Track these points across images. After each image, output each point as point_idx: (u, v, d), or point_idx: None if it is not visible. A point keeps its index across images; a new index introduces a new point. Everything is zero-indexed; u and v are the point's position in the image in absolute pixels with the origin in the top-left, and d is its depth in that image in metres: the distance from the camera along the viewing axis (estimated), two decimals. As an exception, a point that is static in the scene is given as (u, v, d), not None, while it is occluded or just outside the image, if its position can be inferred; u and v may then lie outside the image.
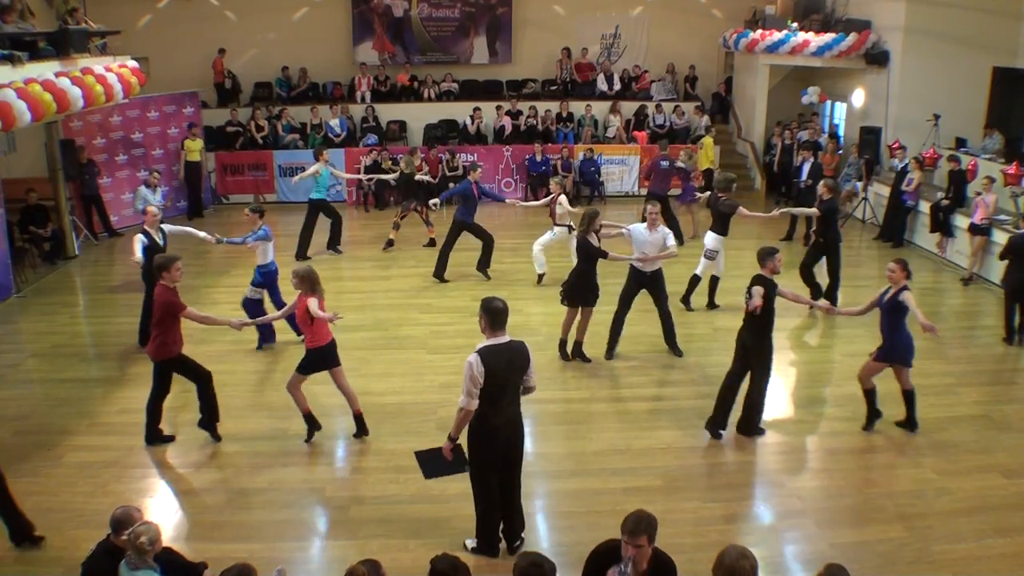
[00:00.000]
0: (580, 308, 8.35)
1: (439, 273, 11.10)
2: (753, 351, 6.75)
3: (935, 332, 6.50)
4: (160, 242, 8.59)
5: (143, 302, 8.77)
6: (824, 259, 10.06)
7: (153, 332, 6.73)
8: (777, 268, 6.73)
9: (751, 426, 6.98)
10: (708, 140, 15.49)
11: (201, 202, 15.09)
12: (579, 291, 8.25)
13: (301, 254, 12.12)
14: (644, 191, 15.87)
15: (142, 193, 10.78)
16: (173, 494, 6.27)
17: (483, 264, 11.27)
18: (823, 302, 8.28)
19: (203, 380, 6.93)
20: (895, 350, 6.77)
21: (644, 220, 8.43)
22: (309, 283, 6.60)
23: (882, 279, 11.24)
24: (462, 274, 11.28)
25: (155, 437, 6.92)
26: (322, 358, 6.73)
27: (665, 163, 12.86)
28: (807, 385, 8.23)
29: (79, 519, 5.78)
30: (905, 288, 6.66)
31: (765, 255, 6.73)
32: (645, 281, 8.40)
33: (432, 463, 5.30)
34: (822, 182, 10.36)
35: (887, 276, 6.81)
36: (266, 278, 8.83)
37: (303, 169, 15.41)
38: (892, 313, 6.72)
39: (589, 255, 8.11)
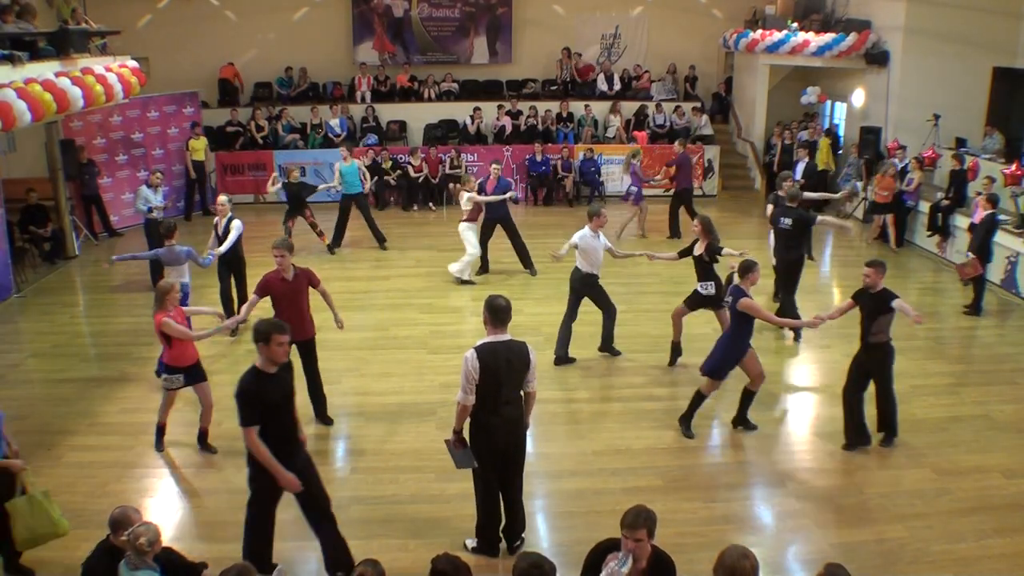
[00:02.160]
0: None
1: (529, 264, 11.28)
2: None
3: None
4: (220, 233, 9.03)
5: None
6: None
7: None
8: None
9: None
10: (825, 142, 15.17)
11: (207, 201, 15.12)
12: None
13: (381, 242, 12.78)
14: (646, 192, 15.91)
15: (144, 193, 10.77)
16: (173, 494, 6.27)
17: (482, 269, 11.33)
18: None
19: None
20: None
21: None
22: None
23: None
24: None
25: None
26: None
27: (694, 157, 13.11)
28: (807, 385, 8.23)
29: (79, 519, 5.76)
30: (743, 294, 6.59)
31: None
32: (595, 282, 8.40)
33: (458, 457, 5.27)
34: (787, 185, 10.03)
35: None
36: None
37: (303, 170, 15.53)
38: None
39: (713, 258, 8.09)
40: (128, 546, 4.05)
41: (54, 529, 5.12)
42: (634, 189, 13.10)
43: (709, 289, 8.08)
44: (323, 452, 6.84)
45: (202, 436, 6.88)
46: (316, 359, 7.13)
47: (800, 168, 13.40)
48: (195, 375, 6.73)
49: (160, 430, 6.88)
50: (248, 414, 4.70)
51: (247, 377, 4.77)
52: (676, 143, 13.61)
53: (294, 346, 6.83)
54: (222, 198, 9.25)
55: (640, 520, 3.80)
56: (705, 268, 8.10)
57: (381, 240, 12.74)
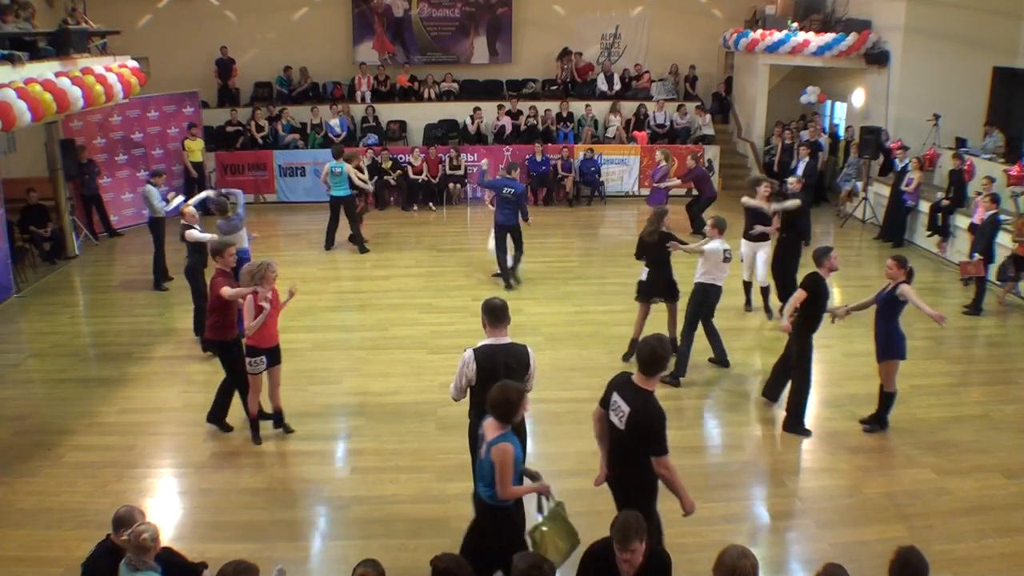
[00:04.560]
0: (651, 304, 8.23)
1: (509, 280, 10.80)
2: (793, 350, 6.98)
3: (943, 321, 6.68)
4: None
5: (193, 294, 8.91)
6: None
7: (209, 316, 6.93)
8: (834, 266, 6.88)
9: (792, 424, 7.05)
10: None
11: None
12: (661, 286, 8.18)
13: (328, 245, 12.60)
14: (645, 191, 15.92)
15: (155, 192, 10.75)
16: (173, 493, 6.27)
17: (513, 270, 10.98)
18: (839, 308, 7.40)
19: (236, 377, 6.99)
20: (890, 345, 6.77)
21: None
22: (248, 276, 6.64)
23: (882, 279, 11.30)
24: (462, 274, 11.28)
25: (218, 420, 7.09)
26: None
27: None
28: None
29: (79, 519, 5.78)
30: (904, 282, 6.68)
31: (821, 255, 6.85)
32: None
33: None
34: (795, 177, 10.22)
35: (885, 272, 6.83)
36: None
37: (303, 170, 15.56)
38: (886, 307, 6.74)
39: (664, 246, 8.03)
40: (129, 545, 4.04)
41: (576, 540, 4.51)
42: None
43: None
44: (323, 452, 6.85)
45: (278, 415, 6.97)
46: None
47: (801, 168, 13.42)
48: (275, 357, 6.77)
49: (255, 423, 6.92)
50: (665, 440, 4.38)
51: (657, 402, 4.41)
52: (688, 158, 13.73)
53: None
54: (189, 209, 9.08)
55: (631, 534, 3.74)
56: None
57: (361, 246, 12.51)
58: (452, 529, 5.63)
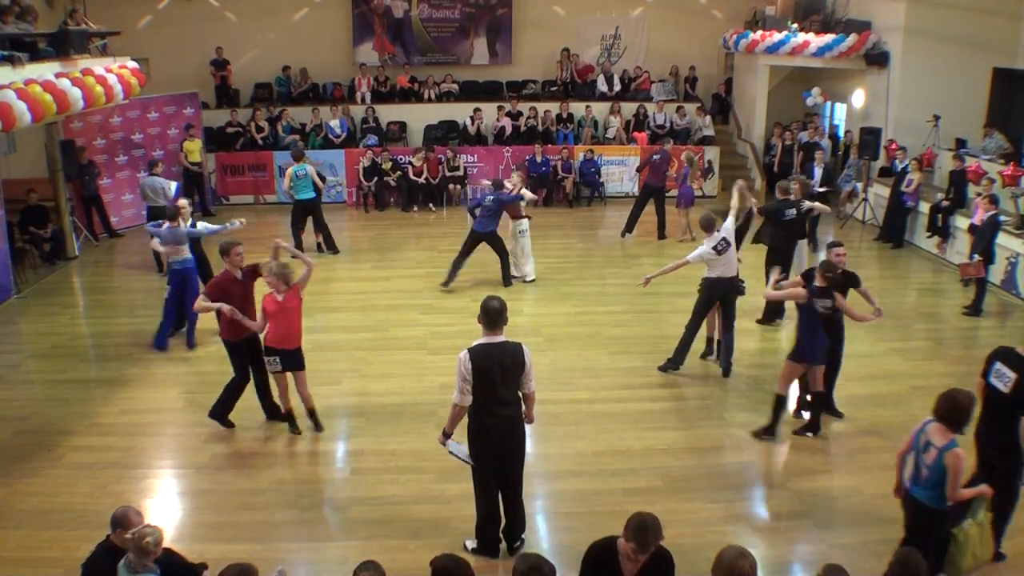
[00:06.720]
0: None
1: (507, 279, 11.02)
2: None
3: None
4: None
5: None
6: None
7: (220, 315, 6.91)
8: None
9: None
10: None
11: (206, 201, 15.14)
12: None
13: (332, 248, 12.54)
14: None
15: (164, 180, 10.77)
16: (173, 494, 6.27)
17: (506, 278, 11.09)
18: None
19: (243, 377, 7.04)
20: (817, 349, 6.85)
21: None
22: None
23: (882, 279, 11.36)
24: (462, 274, 11.26)
25: (220, 416, 7.08)
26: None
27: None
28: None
29: (79, 519, 5.79)
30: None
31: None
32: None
33: (461, 453, 5.30)
34: (797, 178, 10.26)
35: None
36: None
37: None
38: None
39: None
40: (131, 545, 4.03)
41: (990, 555, 4.85)
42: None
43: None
44: (323, 452, 6.86)
45: (311, 414, 7.03)
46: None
47: (818, 172, 13.44)
48: (290, 362, 6.74)
49: (288, 415, 7.01)
50: None
51: None
52: (683, 156, 13.80)
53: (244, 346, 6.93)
54: (183, 202, 9.21)
55: (650, 537, 3.71)
56: None
57: (332, 248, 12.47)
58: (452, 529, 5.64)
